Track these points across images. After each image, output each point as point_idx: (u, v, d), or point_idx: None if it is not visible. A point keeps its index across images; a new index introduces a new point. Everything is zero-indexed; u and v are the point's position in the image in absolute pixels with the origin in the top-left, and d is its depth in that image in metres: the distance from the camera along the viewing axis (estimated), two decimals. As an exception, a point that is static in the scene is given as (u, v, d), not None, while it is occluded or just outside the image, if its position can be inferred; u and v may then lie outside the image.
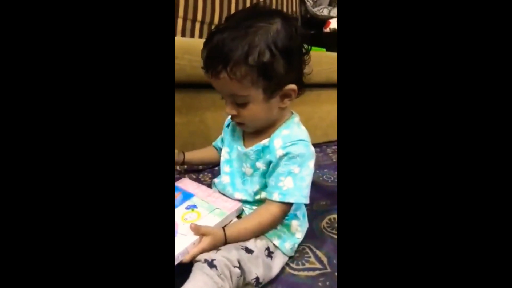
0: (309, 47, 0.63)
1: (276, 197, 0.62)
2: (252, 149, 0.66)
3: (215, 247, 0.57)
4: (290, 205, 0.63)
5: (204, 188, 0.76)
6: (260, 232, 0.63)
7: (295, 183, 0.61)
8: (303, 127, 0.67)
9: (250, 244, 0.60)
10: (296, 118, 0.68)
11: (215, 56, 0.55)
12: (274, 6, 1.86)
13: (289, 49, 0.57)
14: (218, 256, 0.54)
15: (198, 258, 0.55)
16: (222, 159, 0.74)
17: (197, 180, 1.00)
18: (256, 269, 0.58)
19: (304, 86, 0.65)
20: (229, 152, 0.73)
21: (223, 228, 0.60)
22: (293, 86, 0.61)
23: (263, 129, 0.66)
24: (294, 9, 2.02)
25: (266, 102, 0.60)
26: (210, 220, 0.63)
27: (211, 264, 0.52)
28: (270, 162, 0.64)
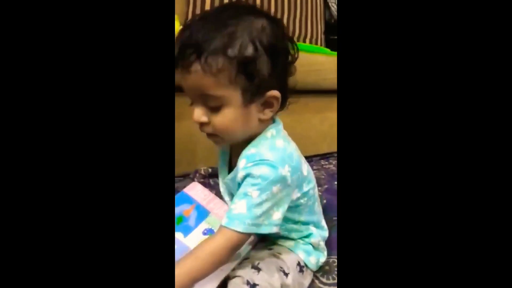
0: (296, 55, 0.54)
1: (223, 220, 0.50)
2: (229, 177, 0.58)
3: None
4: (238, 235, 0.49)
5: (218, 201, 0.70)
6: (206, 272, 0.49)
7: (249, 209, 0.49)
8: (279, 145, 0.54)
9: (284, 265, 0.56)
10: (270, 132, 0.55)
11: (188, 45, 0.46)
12: (298, 10, 1.84)
13: (276, 49, 0.49)
14: (261, 281, 0.50)
15: (235, 273, 0.52)
16: (221, 189, 0.66)
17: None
18: None
19: (287, 97, 0.55)
20: (222, 180, 0.65)
21: None
22: (276, 93, 0.51)
23: (239, 153, 0.55)
24: (318, 13, 1.99)
25: (244, 107, 0.50)
26: None
27: None
28: None
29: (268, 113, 0.53)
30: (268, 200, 0.49)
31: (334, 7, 2.15)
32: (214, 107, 0.49)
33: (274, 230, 0.51)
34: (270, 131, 0.55)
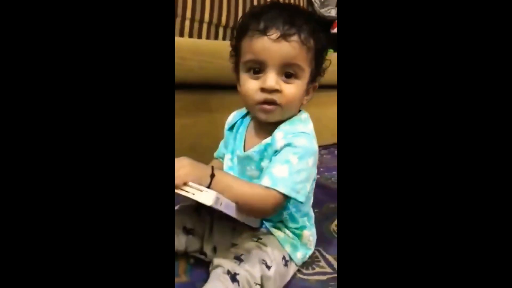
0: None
1: (266, 181, 0.54)
2: (254, 150, 0.62)
3: (193, 178, 0.48)
4: (281, 197, 0.54)
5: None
6: (242, 202, 0.52)
7: (290, 174, 0.54)
8: (309, 125, 0.62)
9: (268, 258, 0.57)
10: (303, 116, 0.64)
11: (289, 21, 0.55)
12: (282, 7, 1.85)
13: (326, 47, 0.62)
14: (241, 270, 0.52)
15: (218, 263, 0.53)
16: (225, 167, 0.69)
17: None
18: (274, 285, 0.56)
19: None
20: (231, 158, 0.68)
21: (212, 167, 0.52)
22: (317, 83, 0.64)
23: (266, 129, 0.61)
24: (301, 10, 2.01)
25: (306, 85, 0.60)
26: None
27: (233, 278, 0.51)
28: None
29: (306, 99, 0.64)
30: (305, 170, 0.56)
31: (317, 4, 2.16)
32: (289, 77, 0.57)
33: (304, 200, 0.57)
34: (303, 115, 0.64)
